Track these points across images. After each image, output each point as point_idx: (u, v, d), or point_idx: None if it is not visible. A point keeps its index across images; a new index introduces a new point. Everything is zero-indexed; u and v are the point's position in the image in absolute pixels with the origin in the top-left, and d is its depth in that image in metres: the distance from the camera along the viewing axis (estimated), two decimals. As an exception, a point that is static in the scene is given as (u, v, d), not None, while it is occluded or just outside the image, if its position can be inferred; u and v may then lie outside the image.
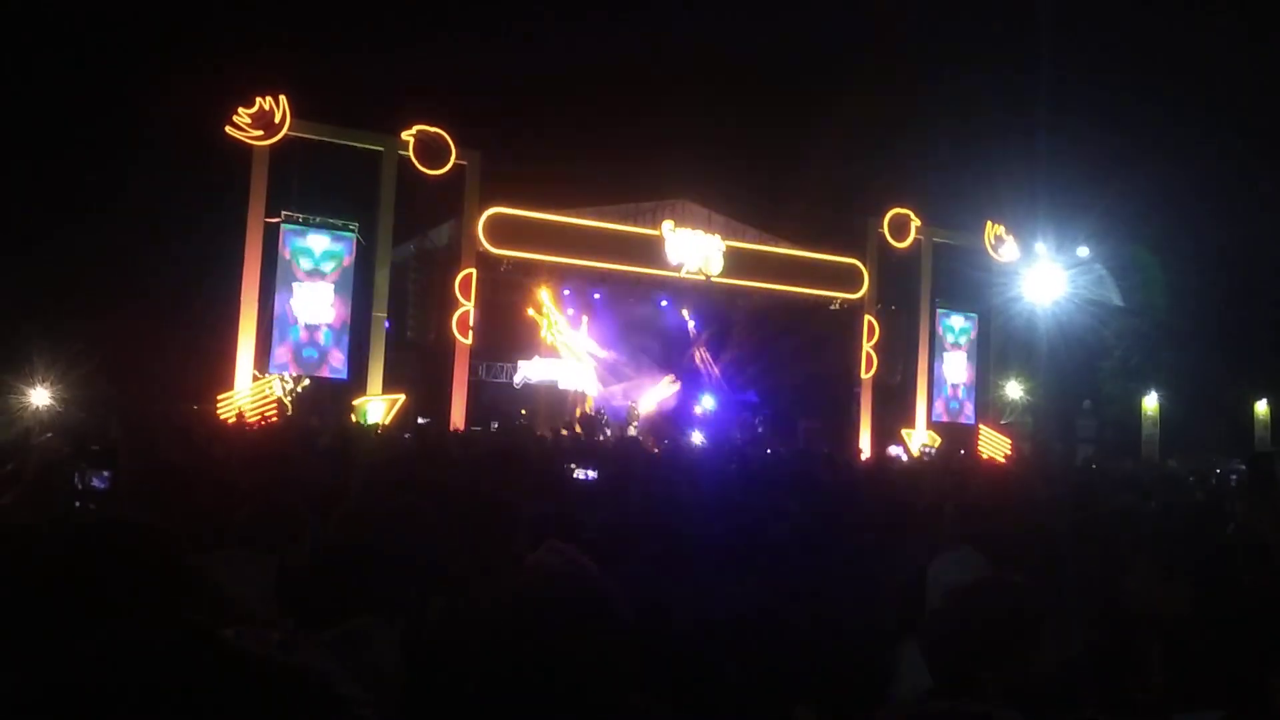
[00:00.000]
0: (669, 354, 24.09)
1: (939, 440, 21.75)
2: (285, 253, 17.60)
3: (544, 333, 22.50)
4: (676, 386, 23.40)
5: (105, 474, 4.21)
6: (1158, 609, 3.00)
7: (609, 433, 19.18)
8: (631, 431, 20.03)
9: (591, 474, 5.76)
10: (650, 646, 2.12)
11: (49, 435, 8.11)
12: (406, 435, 12.36)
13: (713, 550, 2.82)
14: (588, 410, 21.20)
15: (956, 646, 2.27)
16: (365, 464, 6.13)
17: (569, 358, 22.71)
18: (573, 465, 5.98)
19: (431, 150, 18.50)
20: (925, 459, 16.81)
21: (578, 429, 18.70)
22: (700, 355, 24.26)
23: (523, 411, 20.75)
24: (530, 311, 22.37)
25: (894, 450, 19.78)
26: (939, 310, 23.52)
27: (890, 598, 2.75)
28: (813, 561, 2.90)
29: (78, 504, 4.04)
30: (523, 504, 3.16)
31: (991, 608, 2.31)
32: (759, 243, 21.79)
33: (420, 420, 16.49)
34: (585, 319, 23.52)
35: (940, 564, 2.97)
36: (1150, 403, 26.62)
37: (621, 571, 2.72)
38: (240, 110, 16.90)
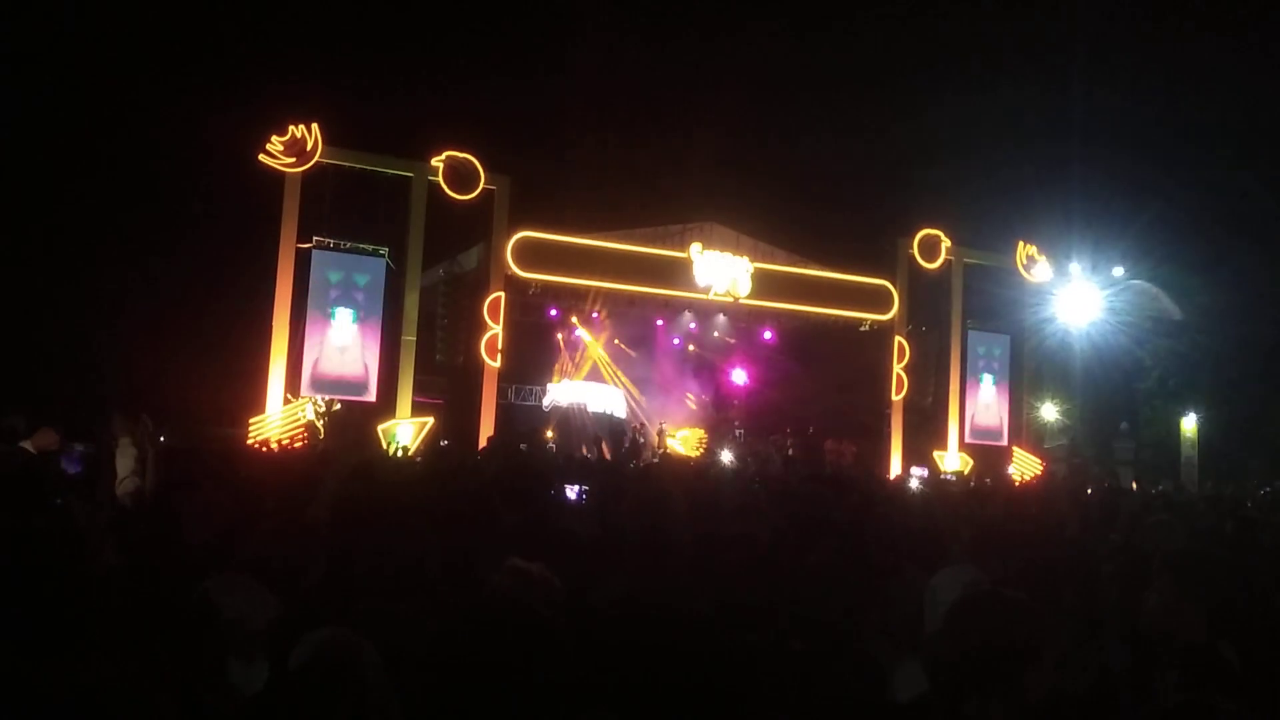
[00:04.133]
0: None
1: (970, 463, 21.50)
2: (316, 277, 17.84)
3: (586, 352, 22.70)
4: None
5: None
6: (1173, 630, 2.94)
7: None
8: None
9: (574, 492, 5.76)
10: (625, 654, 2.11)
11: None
12: (418, 460, 12.35)
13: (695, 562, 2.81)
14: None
15: (955, 662, 2.24)
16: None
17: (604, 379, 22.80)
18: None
19: (461, 175, 18.69)
20: (949, 483, 16.60)
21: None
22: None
23: (549, 434, 20.73)
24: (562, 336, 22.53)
25: (917, 471, 19.54)
26: (970, 331, 23.31)
27: (883, 619, 2.72)
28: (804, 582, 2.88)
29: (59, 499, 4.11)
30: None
31: (989, 624, 2.27)
32: (788, 264, 21.74)
33: (443, 443, 16.56)
34: (617, 341, 23.61)
35: (940, 580, 2.93)
36: (1189, 425, 26.16)
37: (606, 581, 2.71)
38: (273, 138, 17.18)
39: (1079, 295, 23.64)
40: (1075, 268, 23.90)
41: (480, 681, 1.59)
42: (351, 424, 17.06)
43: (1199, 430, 26.01)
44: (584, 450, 17.64)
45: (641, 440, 20.45)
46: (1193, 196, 25.32)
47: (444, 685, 1.60)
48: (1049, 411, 24.97)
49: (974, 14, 28.29)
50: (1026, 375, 24.11)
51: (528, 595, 2.20)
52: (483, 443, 18.04)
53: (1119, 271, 24.83)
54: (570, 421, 22.12)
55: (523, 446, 18.81)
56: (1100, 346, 24.30)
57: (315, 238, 17.77)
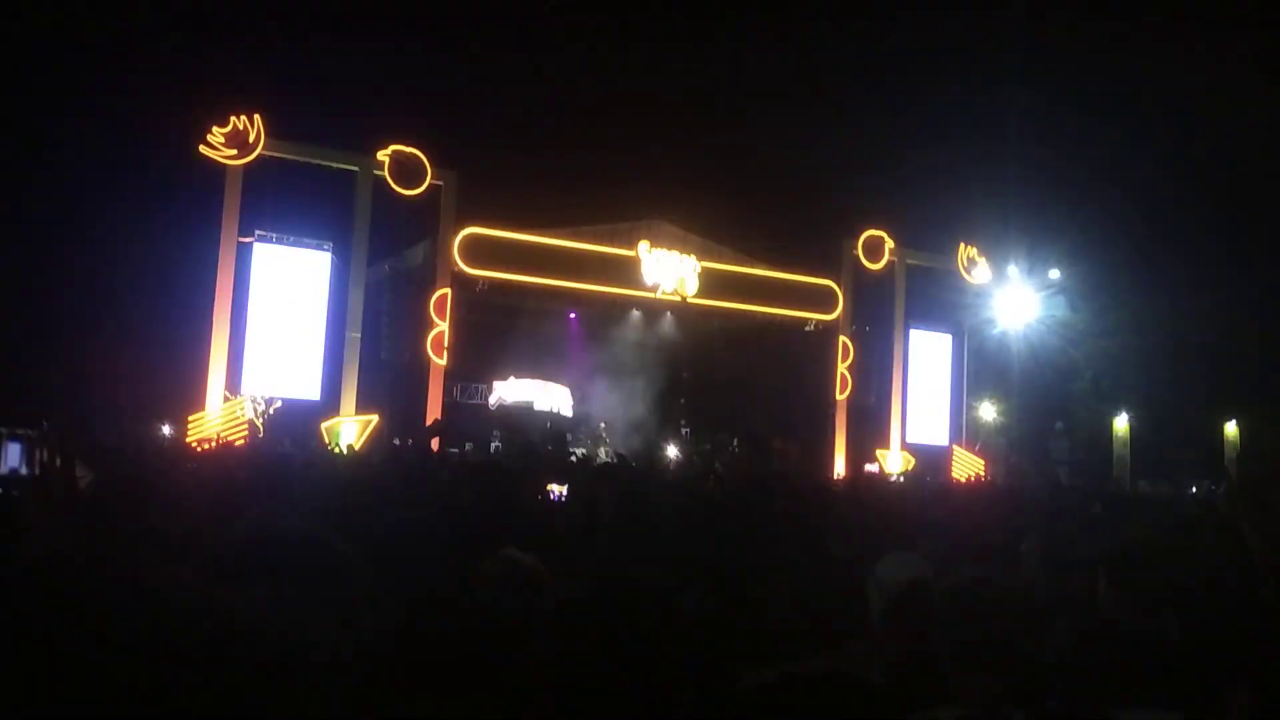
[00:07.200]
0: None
1: (912, 462, 21.82)
2: (258, 271, 17.51)
3: None
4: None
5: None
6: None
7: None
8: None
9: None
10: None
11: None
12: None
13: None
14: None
15: (957, 645, 2.26)
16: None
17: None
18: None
19: (407, 170, 18.48)
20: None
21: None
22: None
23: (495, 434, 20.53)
24: None
25: (871, 468, 19.81)
26: (912, 331, 23.66)
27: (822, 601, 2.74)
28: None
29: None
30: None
31: (992, 605, 2.29)
32: (735, 264, 21.86)
33: (395, 442, 16.34)
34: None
35: (884, 565, 2.98)
36: (1121, 424, 26.83)
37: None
38: (214, 129, 16.82)
39: (1016, 297, 24.12)
40: (1013, 270, 24.38)
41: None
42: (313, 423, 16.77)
43: (1130, 430, 26.70)
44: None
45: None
46: (1125, 201, 26.02)
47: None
48: (987, 411, 25.44)
49: (918, 22, 28.78)
50: (967, 375, 24.54)
51: (514, 584, 2.20)
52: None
53: (1055, 274, 25.38)
54: (515, 421, 21.95)
55: (468, 446, 18.76)
56: (1036, 347, 24.83)
57: (257, 231, 17.44)
